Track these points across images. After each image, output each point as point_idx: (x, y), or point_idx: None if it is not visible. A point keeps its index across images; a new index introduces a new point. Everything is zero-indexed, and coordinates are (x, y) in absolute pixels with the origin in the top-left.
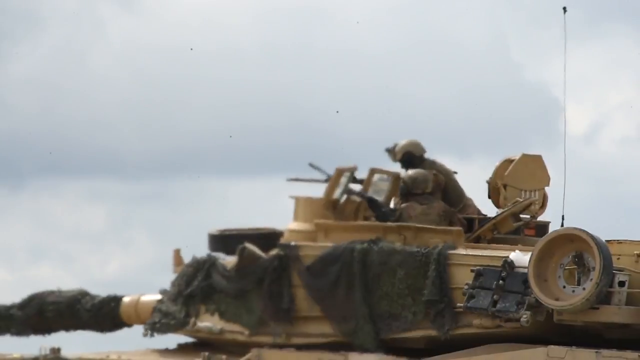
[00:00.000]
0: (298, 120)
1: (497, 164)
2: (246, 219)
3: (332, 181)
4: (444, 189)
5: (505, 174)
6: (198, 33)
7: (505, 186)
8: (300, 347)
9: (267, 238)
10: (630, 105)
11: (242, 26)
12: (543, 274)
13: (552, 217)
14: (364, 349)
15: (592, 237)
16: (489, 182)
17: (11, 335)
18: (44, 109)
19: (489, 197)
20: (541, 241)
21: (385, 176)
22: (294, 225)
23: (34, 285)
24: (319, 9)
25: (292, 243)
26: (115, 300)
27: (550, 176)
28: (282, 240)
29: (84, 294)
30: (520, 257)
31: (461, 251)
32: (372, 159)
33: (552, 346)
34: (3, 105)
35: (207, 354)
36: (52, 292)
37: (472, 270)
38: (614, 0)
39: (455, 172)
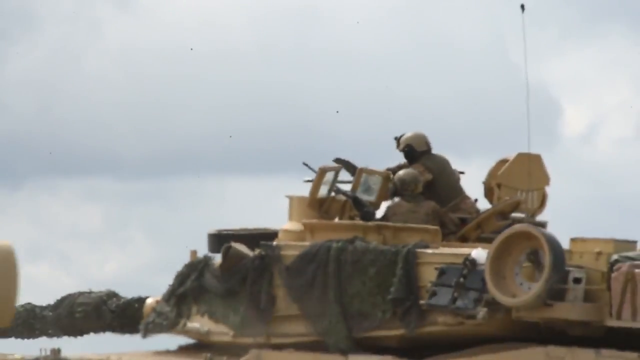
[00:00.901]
0: (298, 121)
1: (494, 164)
2: (244, 219)
3: (315, 181)
4: (434, 186)
5: (499, 173)
6: (196, 34)
7: (499, 186)
8: (279, 347)
9: (267, 238)
10: (630, 106)
11: (240, 27)
12: (502, 272)
13: (552, 216)
14: (336, 348)
15: (542, 233)
16: (484, 183)
17: (48, 337)
18: (42, 110)
19: (485, 196)
20: (497, 239)
21: (375, 176)
22: (288, 225)
23: (31, 284)
24: (319, 9)
25: (274, 243)
26: (140, 301)
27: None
28: (276, 241)
29: (111, 295)
30: (483, 254)
31: (428, 250)
32: (372, 159)
33: (552, 346)
34: (0, 106)
35: (209, 355)
36: (82, 293)
37: (435, 268)
38: (610, 0)
39: (462, 172)
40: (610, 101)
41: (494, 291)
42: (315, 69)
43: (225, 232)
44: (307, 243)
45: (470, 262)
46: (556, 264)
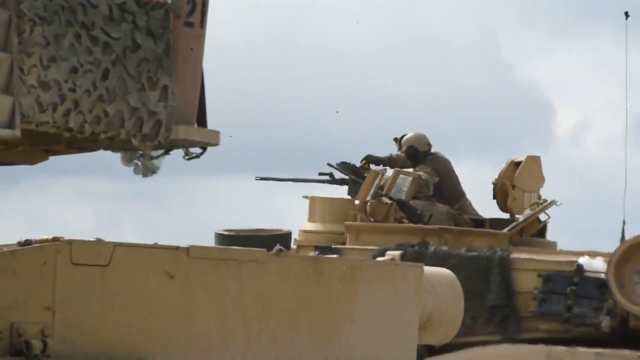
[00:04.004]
0: (296, 120)
1: (504, 165)
2: (240, 220)
3: (367, 183)
4: (440, 188)
5: (515, 175)
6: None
7: (514, 187)
8: None
9: (279, 239)
10: (631, 105)
11: (237, 25)
12: (619, 280)
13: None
14: None
15: None
16: (494, 183)
17: None
18: None
19: (494, 197)
20: (621, 248)
21: (408, 177)
22: (309, 226)
23: None
24: (316, 7)
25: (333, 245)
26: None
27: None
28: (299, 242)
29: None
30: (589, 262)
31: (523, 255)
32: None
33: (552, 346)
34: None
35: None
36: None
37: (539, 275)
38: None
39: None
40: (598, 101)
41: (622, 301)
42: (314, 69)
43: (237, 232)
44: (373, 247)
45: (580, 269)
46: None
